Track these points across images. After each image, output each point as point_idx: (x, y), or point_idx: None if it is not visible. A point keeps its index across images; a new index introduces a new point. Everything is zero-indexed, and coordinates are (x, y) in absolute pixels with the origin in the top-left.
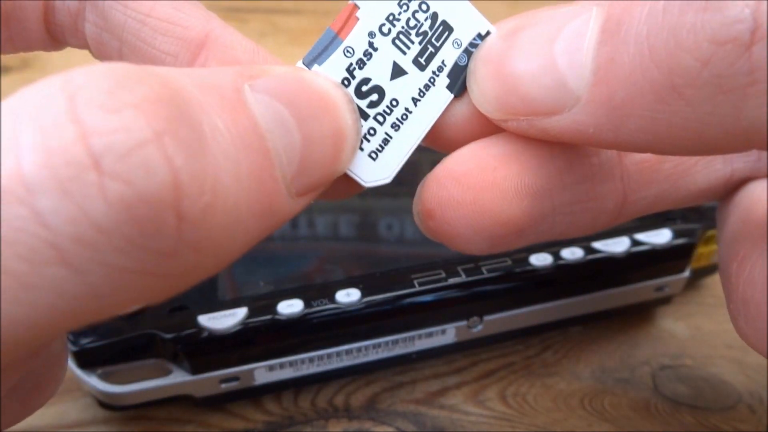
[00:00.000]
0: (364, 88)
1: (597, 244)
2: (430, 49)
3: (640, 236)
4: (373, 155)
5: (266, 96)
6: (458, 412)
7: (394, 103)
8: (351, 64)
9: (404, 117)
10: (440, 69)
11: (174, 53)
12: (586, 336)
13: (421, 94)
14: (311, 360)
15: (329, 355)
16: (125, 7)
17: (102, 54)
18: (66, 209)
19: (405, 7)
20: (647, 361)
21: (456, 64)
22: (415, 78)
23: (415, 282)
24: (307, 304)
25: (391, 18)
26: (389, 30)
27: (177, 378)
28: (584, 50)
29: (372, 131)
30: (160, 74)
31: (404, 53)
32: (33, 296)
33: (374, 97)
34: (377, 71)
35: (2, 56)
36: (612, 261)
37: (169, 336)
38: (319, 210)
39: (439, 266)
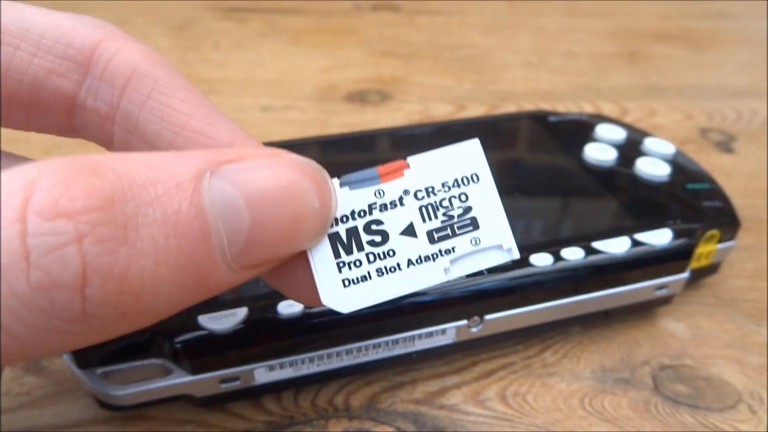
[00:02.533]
0: (374, 227)
1: (597, 245)
2: (448, 232)
3: (641, 236)
4: (346, 282)
5: (225, 182)
6: (458, 412)
7: (391, 253)
8: (375, 203)
9: (392, 269)
10: (447, 252)
11: None
12: (586, 336)
13: (419, 261)
14: (311, 360)
15: (329, 355)
16: (161, 120)
17: (125, 149)
18: (2, 286)
19: (446, 189)
20: (647, 361)
21: (463, 255)
22: (421, 246)
23: None
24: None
25: (429, 190)
26: (422, 197)
27: (177, 378)
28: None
29: (358, 263)
30: (112, 176)
31: (424, 221)
32: None
33: (377, 238)
34: (392, 221)
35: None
36: (612, 261)
37: (169, 336)
38: None
39: None
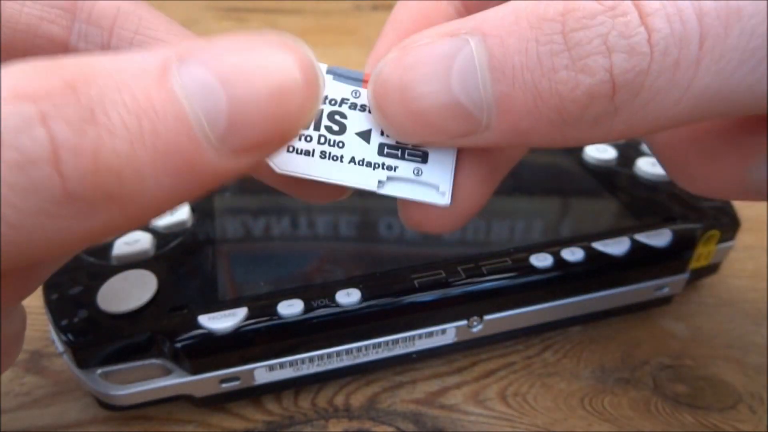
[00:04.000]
0: (337, 118)
1: (597, 245)
2: (398, 152)
3: (641, 236)
4: (290, 149)
5: (193, 67)
6: (458, 412)
7: (341, 144)
8: (348, 99)
9: (334, 158)
10: (389, 168)
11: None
12: (586, 336)
13: (360, 163)
14: (311, 360)
15: (329, 355)
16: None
17: None
18: None
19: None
20: (647, 361)
21: (401, 178)
22: (369, 152)
23: (415, 282)
24: (307, 304)
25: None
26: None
27: (177, 378)
28: (480, 88)
29: (309, 138)
30: (73, 65)
31: (381, 135)
32: None
33: (336, 127)
34: (355, 121)
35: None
36: (612, 261)
37: (168, 336)
38: (319, 210)
39: (439, 266)
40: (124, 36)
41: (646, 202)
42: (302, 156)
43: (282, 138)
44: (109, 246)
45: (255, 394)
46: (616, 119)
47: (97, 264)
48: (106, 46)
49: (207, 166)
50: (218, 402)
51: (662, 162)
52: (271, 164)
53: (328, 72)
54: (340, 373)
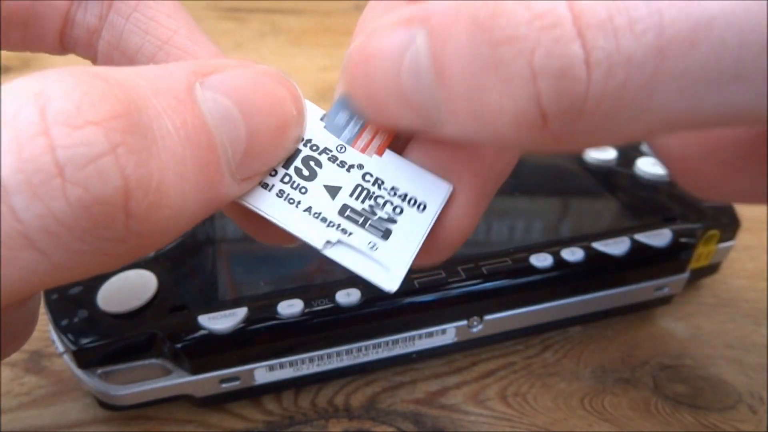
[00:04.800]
0: (311, 164)
1: (597, 245)
2: (360, 219)
3: (640, 236)
4: (272, 191)
5: (216, 93)
6: (458, 412)
7: (303, 191)
8: (330, 151)
9: (291, 201)
10: (343, 231)
11: None
12: (586, 336)
13: (315, 215)
14: (311, 360)
15: (329, 355)
16: (145, 33)
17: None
18: (36, 207)
19: (392, 193)
20: (647, 361)
21: (352, 247)
22: (329, 208)
23: (415, 282)
24: (307, 304)
25: (379, 182)
26: (368, 181)
27: (177, 378)
28: (426, 88)
29: (274, 173)
30: (120, 84)
31: (350, 196)
32: (11, 270)
33: (306, 172)
34: (328, 173)
35: (3, 56)
36: (612, 261)
37: (169, 336)
38: None
39: (439, 266)
40: (123, 11)
41: (646, 202)
42: (259, 188)
43: (272, 166)
44: None
45: (255, 394)
46: (556, 146)
47: None
48: (103, 18)
49: (223, 193)
50: (218, 402)
51: (670, 169)
52: (261, 212)
53: (322, 118)
54: (340, 373)
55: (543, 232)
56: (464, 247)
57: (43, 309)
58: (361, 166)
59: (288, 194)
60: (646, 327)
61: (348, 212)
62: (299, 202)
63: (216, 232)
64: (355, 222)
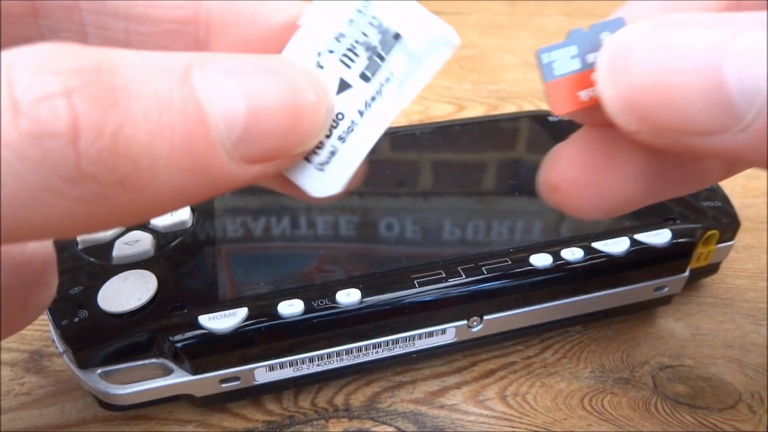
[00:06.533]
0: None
1: (597, 245)
2: (377, 61)
3: (640, 236)
4: (321, 167)
5: (214, 73)
6: (458, 412)
7: (340, 116)
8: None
9: (350, 129)
10: (388, 80)
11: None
12: (586, 336)
13: (367, 105)
14: (311, 360)
15: (329, 355)
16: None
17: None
18: None
19: (352, 24)
20: (647, 361)
21: (406, 74)
22: (361, 91)
23: (415, 282)
24: (307, 304)
25: (338, 37)
26: (336, 48)
27: (177, 378)
28: (758, 76)
29: (320, 144)
30: (100, 51)
31: (349, 68)
32: None
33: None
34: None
35: None
36: (612, 261)
37: (169, 336)
38: (319, 210)
39: (439, 266)
40: None
41: None
42: (332, 161)
43: (292, 154)
44: (109, 246)
45: (255, 394)
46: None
47: (97, 264)
48: None
49: (219, 170)
50: (218, 402)
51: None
52: (326, 194)
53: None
54: (340, 373)
55: (543, 232)
56: (464, 246)
57: None
58: (319, 53)
59: (342, 131)
60: (646, 327)
61: (367, 72)
62: (353, 122)
63: (216, 232)
64: (378, 67)
